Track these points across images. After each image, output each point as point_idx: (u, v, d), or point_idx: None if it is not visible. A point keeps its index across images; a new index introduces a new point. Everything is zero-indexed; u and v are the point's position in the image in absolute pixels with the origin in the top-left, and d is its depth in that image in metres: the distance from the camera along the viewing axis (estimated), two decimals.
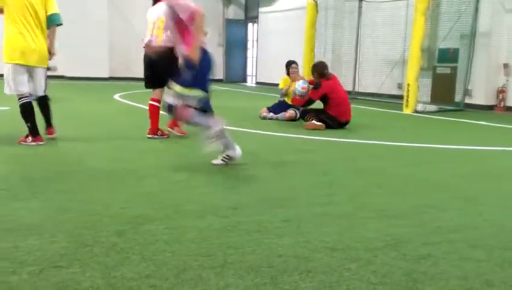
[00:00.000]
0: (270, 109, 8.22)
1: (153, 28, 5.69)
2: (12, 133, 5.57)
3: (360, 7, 13.24)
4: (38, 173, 4.00)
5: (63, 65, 16.59)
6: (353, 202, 3.46)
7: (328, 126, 7.13)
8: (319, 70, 7.32)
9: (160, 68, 5.61)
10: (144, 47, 5.76)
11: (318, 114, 7.21)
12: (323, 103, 7.31)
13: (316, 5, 12.87)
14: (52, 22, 5.21)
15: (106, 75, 16.29)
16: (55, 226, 2.75)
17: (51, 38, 5.35)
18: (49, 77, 13.24)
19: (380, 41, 12.71)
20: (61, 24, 5.37)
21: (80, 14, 15.69)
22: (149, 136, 5.85)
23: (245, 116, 8.27)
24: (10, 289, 2.00)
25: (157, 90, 5.83)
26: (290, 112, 7.93)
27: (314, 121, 7.07)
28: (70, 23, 16.92)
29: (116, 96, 10.95)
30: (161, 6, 5.63)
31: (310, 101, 7.37)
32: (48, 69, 10.57)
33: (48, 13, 5.16)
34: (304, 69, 12.23)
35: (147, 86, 5.92)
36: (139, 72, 12.44)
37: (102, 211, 3.06)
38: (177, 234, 2.68)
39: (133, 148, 5.28)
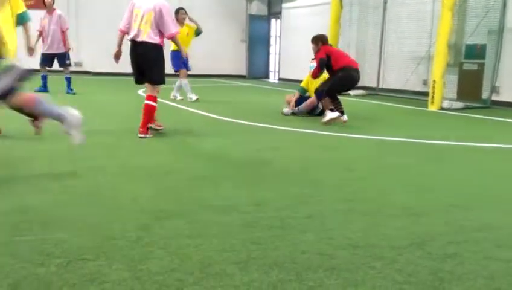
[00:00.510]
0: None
1: (140, 21, 5.38)
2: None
3: (385, 2, 13.08)
4: (66, 168, 4.07)
5: (89, 61, 16.88)
6: (377, 200, 3.43)
7: (346, 81, 7.35)
8: (323, 38, 7.60)
9: (145, 64, 5.45)
10: (130, 41, 5.49)
11: (331, 81, 7.35)
12: (329, 68, 7.42)
13: (341, 0, 12.77)
14: (25, 19, 5.15)
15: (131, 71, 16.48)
16: (81, 219, 2.80)
17: (29, 35, 5.35)
18: (75, 72, 13.38)
19: (405, 37, 12.53)
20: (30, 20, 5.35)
21: (104, 10, 15.89)
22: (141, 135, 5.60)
23: (267, 112, 8.27)
24: (38, 280, 2.04)
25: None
26: (311, 99, 7.97)
27: (328, 116, 7.13)
28: (96, 20, 17.21)
29: (141, 92, 11.04)
30: (151, 0, 5.41)
31: (322, 63, 7.39)
32: (69, 65, 10.68)
33: (20, 11, 5.12)
34: None
35: (135, 81, 5.71)
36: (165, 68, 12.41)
37: (128, 205, 3.10)
38: (201, 229, 2.69)
39: (158, 143, 5.32)
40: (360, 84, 13.84)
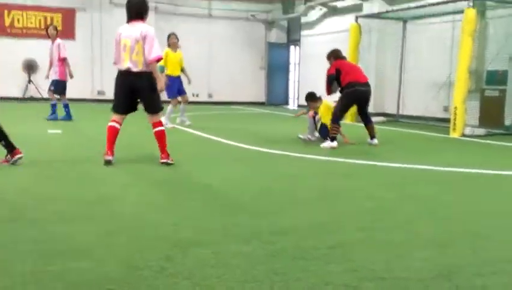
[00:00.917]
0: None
1: (131, 52, 5.35)
2: (64, 155, 5.76)
3: (404, 29, 13.13)
4: (87, 195, 4.11)
5: (111, 90, 17.18)
6: (400, 229, 3.38)
7: (352, 98, 7.72)
8: (335, 54, 7.92)
9: (144, 94, 5.47)
10: (124, 72, 5.43)
11: (338, 104, 7.69)
12: (339, 83, 7.73)
13: (360, 27, 12.85)
14: None
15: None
16: (104, 248, 2.81)
17: None
18: (99, 100, 13.49)
19: (425, 63, 12.52)
20: None
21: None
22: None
23: (286, 139, 8.27)
24: None
25: (123, 116, 5.67)
26: (309, 114, 8.26)
27: (325, 143, 7.39)
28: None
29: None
30: (138, 28, 5.36)
31: (331, 78, 7.75)
32: (54, 92, 10.54)
33: None
34: None
35: (120, 111, 5.58)
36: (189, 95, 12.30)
37: (150, 234, 3.11)
38: (224, 259, 2.68)
39: (175, 172, 5.35)
40: (379, 110, 13.85)
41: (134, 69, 5.37)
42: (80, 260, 2.62)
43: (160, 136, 5.60)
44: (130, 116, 5.84)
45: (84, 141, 7.68)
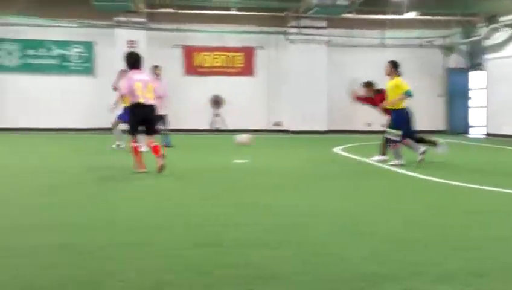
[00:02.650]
0: None
1: (143, 91, 7.11)
2: (255, 184, 6.06)
3: None
4: (280, 222, 4.24)
5: (287, 121, 17.99)
6: None
7: None
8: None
9: (153, 120, 7.44)
10: (138, 104, 7.11)
11: None
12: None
13: None
14: None
15: (325, 129, 17.00)
16: (298, 277, 2.89)
17: None
18: (276, 131, 13.97)
19: None
20: None
21: (304, 74, 16.93)
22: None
23: (468, 169, 7.63)
24: None
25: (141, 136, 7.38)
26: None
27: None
28: (294, 85, 18.32)
29: (337, 150, 11.23)
30: (145, 74, 7.62)
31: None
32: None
33: None
34: None
35: (134, 133, 7.24)
36: (358, 125, 12.20)
37: (339, 264, 3.13)
38: None
39: (357, 203, 5.28)
40: None
41: (147, 103, 7.18)
42: (276, 287, 2.73)
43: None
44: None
45: (268, 168, 7.96)
